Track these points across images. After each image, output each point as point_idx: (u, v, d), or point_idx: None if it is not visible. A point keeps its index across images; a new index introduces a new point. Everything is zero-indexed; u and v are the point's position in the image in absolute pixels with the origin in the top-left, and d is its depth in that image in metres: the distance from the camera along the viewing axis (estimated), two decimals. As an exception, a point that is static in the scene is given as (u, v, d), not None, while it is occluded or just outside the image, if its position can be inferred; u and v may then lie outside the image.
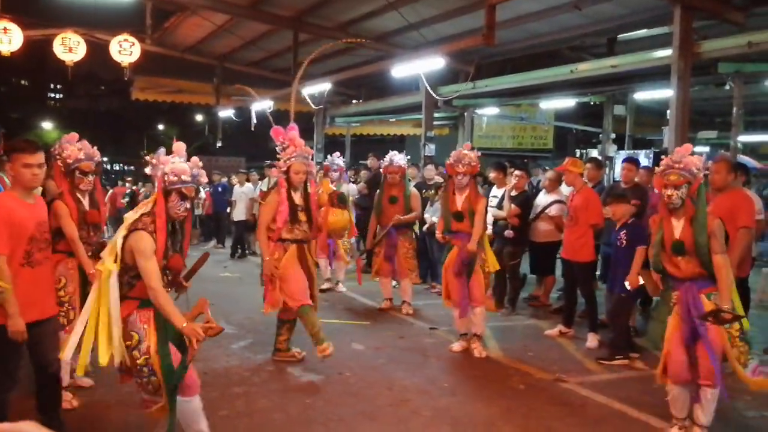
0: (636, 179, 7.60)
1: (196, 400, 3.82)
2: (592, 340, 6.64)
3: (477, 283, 6.29)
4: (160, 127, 49.95)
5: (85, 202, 5.00)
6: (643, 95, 14.72)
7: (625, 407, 4.97)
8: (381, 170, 8.43)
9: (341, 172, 9.45)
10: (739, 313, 4.07)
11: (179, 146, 3.77)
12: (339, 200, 6.18)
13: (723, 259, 4.19)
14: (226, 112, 20.54)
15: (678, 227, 4.30)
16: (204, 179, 3.85)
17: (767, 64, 10.43)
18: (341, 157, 9.62)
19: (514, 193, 8.02)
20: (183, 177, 3.66)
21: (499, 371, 5.86)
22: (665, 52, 9.56)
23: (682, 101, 9.12)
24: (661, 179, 4.30)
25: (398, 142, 24.26)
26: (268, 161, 13.08)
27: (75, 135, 5.11)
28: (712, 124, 17.85)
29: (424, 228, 9.37)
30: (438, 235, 6.66)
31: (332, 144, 24.68)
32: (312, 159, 6.02)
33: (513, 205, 7.88)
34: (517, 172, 8.06)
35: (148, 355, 3.58)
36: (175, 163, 3.70)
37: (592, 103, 18.20)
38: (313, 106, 17.03)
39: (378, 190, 8.39)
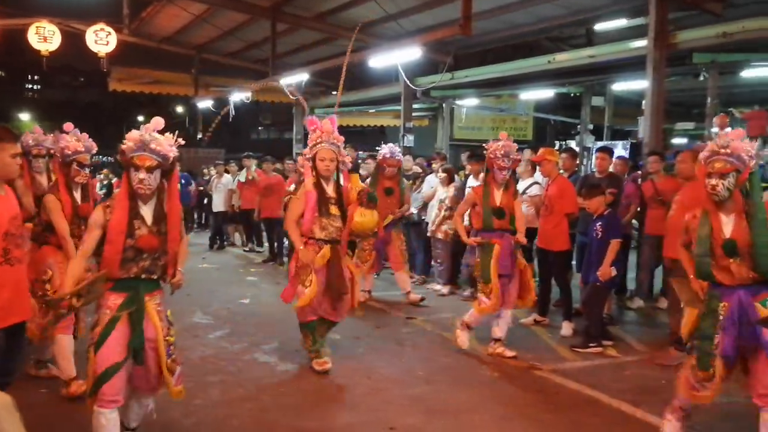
0: (611, 169, 7.64)
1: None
2: (566, 329, 6.70)
3: (515, 285, 5.99)
4: (140, 118, 49.62)
5: (78, 195, 4.94)
6: (621, 86, 14.84)
7: (598, 393, 5.02)
8: (378, 161, 8.25)
9: (399, 166, 8.47)
10: None
11: (157, 121, 3.54)
12: (369, 199, 5.54)
13: None
14: (205, 103, 20.41)
15: (728, 223, 3.69)
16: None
17: (742, 55, 10.56)
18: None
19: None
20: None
21: (474, 360, 5.89)
22: (641, 43, 9.63)
23: (657, 91, 9.20)
24: (704, 167, 3.72)
25: (378, 134, 24.25)
26: (247, 152, 13.01)
27: (70, 125, 4.98)
28: (690, 116, 18.00)
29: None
30: (470, 239, 6.14)
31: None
32: (344, 147, 5.49)
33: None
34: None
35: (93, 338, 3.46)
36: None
37: (571, 94, 18.32)
38: (291, 96, 16.97)
39: (372, 181, 8.22)
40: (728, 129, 10.52)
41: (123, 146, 3.44)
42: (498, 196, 5.93)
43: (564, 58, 11.70)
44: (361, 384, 5.20)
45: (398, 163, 8.04)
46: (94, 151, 5.07)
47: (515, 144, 5.91)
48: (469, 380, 5.34)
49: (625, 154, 12.23)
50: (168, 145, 3.47)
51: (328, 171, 5.32)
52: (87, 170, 4.99)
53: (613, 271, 6.07)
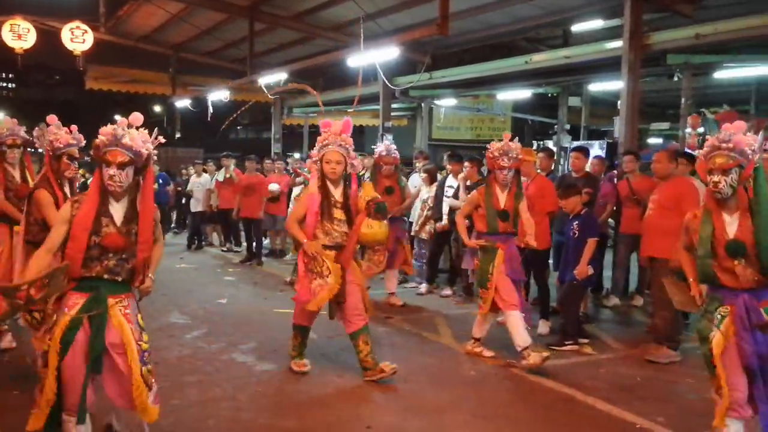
0: (588, 168, 7.72)
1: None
2: (543, 327, 6.75)
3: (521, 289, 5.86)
4: (117, 117, 49.09)
5: (67, 190, 4.89)
6: (597, 87, 14.97)
7: (574, 391, 5.07)
8: (375, 160, 8.17)
9: (396, 163, 8.45)
10: None
11: (135, 116, 3.45)
12: (377, 210, 5.11)
13: None
14: (183, 103, 20.28)
15: (732, 223, 3.50)
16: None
17: (715, 56, 10.71)
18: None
19: (469, 183, 8.09)
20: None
21: (450, 358, 5.92)
22: (616, 44, 9.75)
23: (632, 92, 9.32)
24: (704, 164, 3.52)
25: (357, 133, 24.22)
26: (226, 152, 12.96)
27: (54, 117, 4.88)
28: (664, 116, 18.23)
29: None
30: (471, 241, 5.91)
31: (290, 135, 24.57)
32: (351, 149, 5.17)
33: (469, 195, 7.96)
34: (466, 163, 8.14)
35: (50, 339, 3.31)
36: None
37: (548, 94, 18.46)
38: (269, 96, 16.93)
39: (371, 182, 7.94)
40: (700, 129, 10.72)
41: (96, 141, 3.37)
42: (502, 198, 5.75)
43: (541, 59, 11.80)
44: (338, 383, 5.21)
45: (395, 160, 7.91)
46: (83, 144, 5.03)
47: (517, 144, 5.68)
48: (447, 379, 5.36)
49: (602, 153, 12.38)
50: (141, 141, 3.34)
51: (334, 174, 5.09)
52: (77, 164, 4.96)
53: (590, 270, 6.14)
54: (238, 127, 38.72)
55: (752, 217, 3.42)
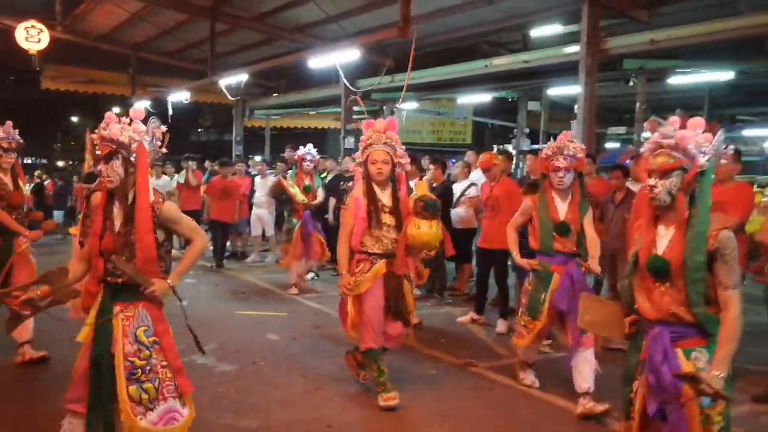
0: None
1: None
2: (501, 326, 6.84)
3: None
4: (74, 119, 48.20)
5: (8, 180, 4.83)
6: (556, 91, 15.20)
7: (531, 389, 5.15)
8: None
9: (316, 164, 9.08)
10: (725, 394, 2.60)
11: (137, 110, 3.32)
12: (425, 207, 4.51)
13: (734, 298, 2.67)
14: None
15: (665, 237, 2.84)
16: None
17: (669, 61, 10.98)
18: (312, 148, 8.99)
19: (435, 185, 8.17)
20: None
21: (411, 358, 5.96)
22: (574, 48, 9.92)
23: (590, 96, 9.50)
24: (645, 163, 2.91)
25: (320, 136, 24.20)
26: (187, 153, 12.82)
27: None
28: (621, 120, 18.61)
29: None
30: (524, 260, 4.92)
31: (252, 137, 24.41)
32: (398, 147, 4.73)
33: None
34: (430, 165, 8.25)
35: None
36: None
37: (508, 98, 18.69)
38: (230, 97, 16.83)
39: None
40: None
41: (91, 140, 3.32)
42: (561, 208, 4.77)
43: (501, 62, 11.95)
44: (299, 383, 5.21)
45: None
46: (18, 139, 4.99)
47: (577, 143, 4.79)
48: (407, 377, 5.39)
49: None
50: (121, 130, 3.18)
51: (381, 174, 4.63)
52: (13, 155, 4.91)
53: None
54: (199, 130, 38.33)
55: (686, 231, 2.76)
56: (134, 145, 3.21)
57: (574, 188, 4.80)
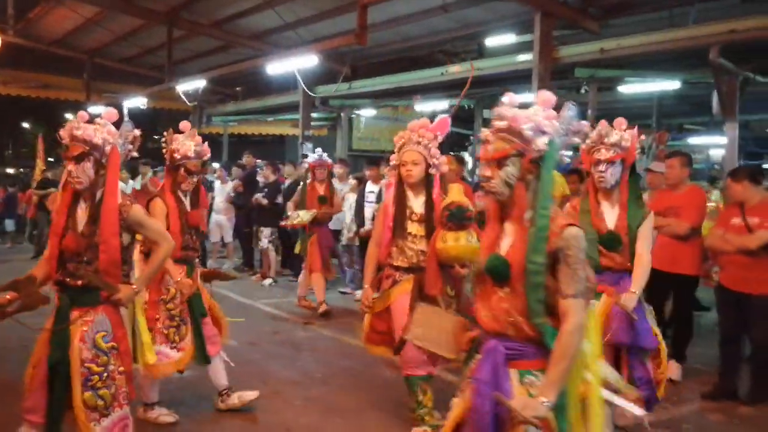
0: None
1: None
2: None
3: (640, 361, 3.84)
4: (25, 125, 47.08)
5: None
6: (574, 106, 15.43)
7: (486, 388, 5.26)
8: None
9: (330, 168, 8.47)
10: (546, 425, 2.21)
11: (110, 112, 3.31)
12: (451, 218, 3.88)
13: (573, 309, 2.24)
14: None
15: (508, 234, 2.42)
16: None
17: (618, 71, 11.29)
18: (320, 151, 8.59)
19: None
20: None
21: (369, 362, 5.99)
22: (527, 56, 10.14)
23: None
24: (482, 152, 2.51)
25: (278, 143, 24.14)
26: (143, 159, 12.67)
27: None
28: (575, 129, 19.01)
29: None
30: None
31: (210, 143, 24.15)
32: (433, 146, 4.26)
33: None
34: (386, 170, 8.32)
35: (183, 306, 4.28)
36: None
37: (465, 107, 18.91)
38: (188, 103, 16.73)
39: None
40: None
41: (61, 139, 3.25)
42: (610, 215, 3.90)
43: (456, 70, 12.11)
44: (258, 388, 5.21)
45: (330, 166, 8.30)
46: None
47: (630, 131, 3.87)
48: (366, 381, 5.47)
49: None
50: (95, 131, 3.14)
51: (410, 177, 4.18)
52: None
53: None
54: (155, 136, 37.96)
55: (527, 229, 2.33)
56: (107, 148, 3.17)
57: (624, 188, 3.88)
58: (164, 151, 4.55)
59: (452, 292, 4.18)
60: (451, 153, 7.89)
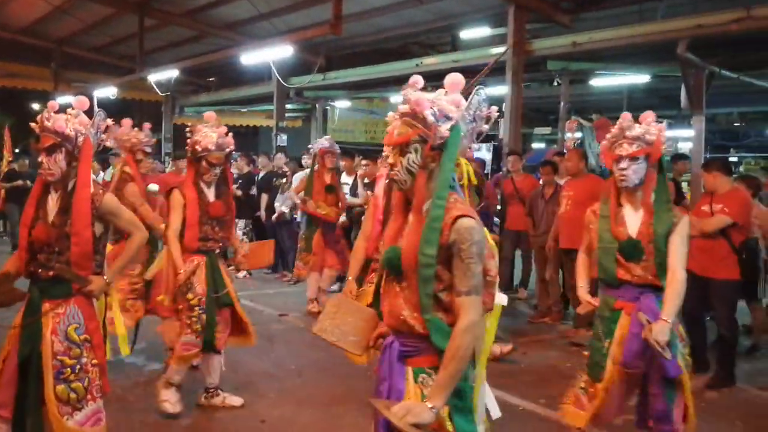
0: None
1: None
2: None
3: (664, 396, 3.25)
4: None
5: None
6: (484, 91, 15.51)
7: (460, 379, 5.31)
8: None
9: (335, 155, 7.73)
10: None
11: (81, 100, 3.23)
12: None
13: (466, 306, 2.10)
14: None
15: (410, 229, 2.29)
16: None
17: (589, 63, 11.44)
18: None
19: (366, 180, 8.26)
20: None
21: (342, 353, 6.03)
22: (501, 49, 10.21)
23: (516, 95, 9.83)
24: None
25: (252, 134, 23.99)
26: (114, 150, 12.48)
27: None
28: (547, 121, 19.14)
29: (273, 218, 9.44)
30: (587, 297, 3.55)
31: (182, 135, 23.97)
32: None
33: (368, 192, 8.11)
34: (363, 162, 8.35)
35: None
36: None
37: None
38: (160, 93, 16.55)
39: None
40: (578, 134, 11.41)
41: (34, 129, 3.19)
42: (631, 219, 3.36)
43: (431, 62, 12.14)
44: (232, 379, 5.20)
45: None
46: None
47: (658, 124, 3.38)
48: (340, 373, 5.46)
49: (489, 155, 12.94)
50: (66, 121, 3.09)
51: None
52: None
53: None
54: (126, 127, 37.55)
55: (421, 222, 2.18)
56: (80, 139, 3.13)
57: (648, 188, 3.32)
58: (187, 141, 4.52)
59: None
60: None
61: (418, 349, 2.18)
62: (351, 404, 4.79)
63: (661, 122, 3.42)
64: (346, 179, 8.58)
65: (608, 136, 3.42)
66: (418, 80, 2.27)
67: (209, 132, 4.46)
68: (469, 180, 3.57)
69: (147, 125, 5.59)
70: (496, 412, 2.62)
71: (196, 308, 4.38)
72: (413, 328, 2.17)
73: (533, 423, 4.58)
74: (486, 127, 2.39)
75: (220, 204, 4.52)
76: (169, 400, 4.44)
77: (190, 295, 4.38)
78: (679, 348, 3.22)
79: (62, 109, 3.18)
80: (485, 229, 2.45)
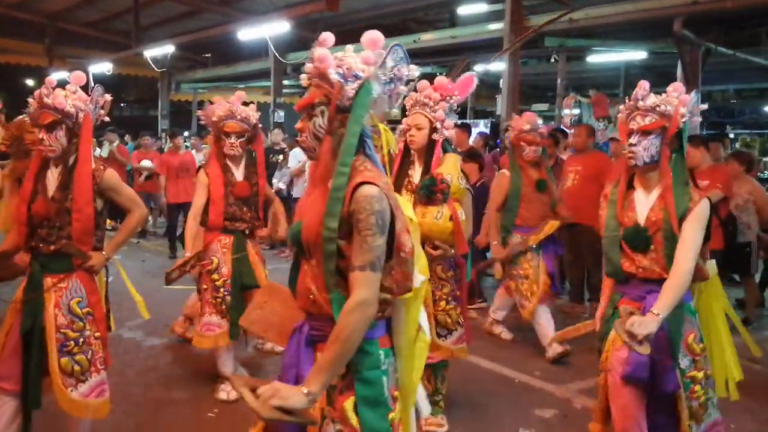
0: (471, 143, 8.14)
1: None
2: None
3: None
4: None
5: None
6: (482, 69, 15.47)
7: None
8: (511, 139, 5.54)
9: None
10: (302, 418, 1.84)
11: (77, 75, 3.21)
12: (421, 190, 3.61)
13: (360, 283, 1.87)
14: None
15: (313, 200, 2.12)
16: None
17: (586, 40, 11.40)
18: None
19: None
20: None
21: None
22: (498, 25, 10.18)
23: (513, 71, 9.82)
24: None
25: (248, 111, 23.90)
26: (109, 128, 12.45)
27: None
28: (544, 98, 19.10)
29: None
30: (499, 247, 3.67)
31: (179, 111, 23.90)
32: (439, 109, 3.73)
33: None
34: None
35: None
36: None
37: (437, 75, 18.91)
38: (156, 69, 16.45)
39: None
40: (575, 110, 11.42)
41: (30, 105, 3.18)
42: (642, 204, 2.91)
43: (429, 38, 12.12)
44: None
45: (542, 141, 5.31)
46: None
47: (680, 94, 2.85)
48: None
49: (486, 131, 12.91)
50: (66, 98, 3.07)
51: (412, 143, 3.73)
52: None
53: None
54: (122, 104, 37.32)
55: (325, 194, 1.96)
56: (80, 115, 3.12)
57: (665, 168, 2.84)
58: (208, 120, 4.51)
59: (446, 274, 3.75)
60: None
61: (324, 332, 1.94)
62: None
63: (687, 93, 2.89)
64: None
65: (622, 107, 2.98)
66: (328, 37, 2.05)
67: (225, 102, 4.51)
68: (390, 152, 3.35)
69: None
70: (425, 410, 2.57)
71: (221, 289, 4.34)
72: (322, 308, 1.97)
73: (528, 395, 4.63)
74: (404, 88, 2.08)
75: (246, 185, 4.42)
76: (224, 389, 4.42)
77: (215, 276, 4.34)
78: (686, 366, 2.81)
79: (59, 85, 3.18)
80: (403, 198, 2.58)
